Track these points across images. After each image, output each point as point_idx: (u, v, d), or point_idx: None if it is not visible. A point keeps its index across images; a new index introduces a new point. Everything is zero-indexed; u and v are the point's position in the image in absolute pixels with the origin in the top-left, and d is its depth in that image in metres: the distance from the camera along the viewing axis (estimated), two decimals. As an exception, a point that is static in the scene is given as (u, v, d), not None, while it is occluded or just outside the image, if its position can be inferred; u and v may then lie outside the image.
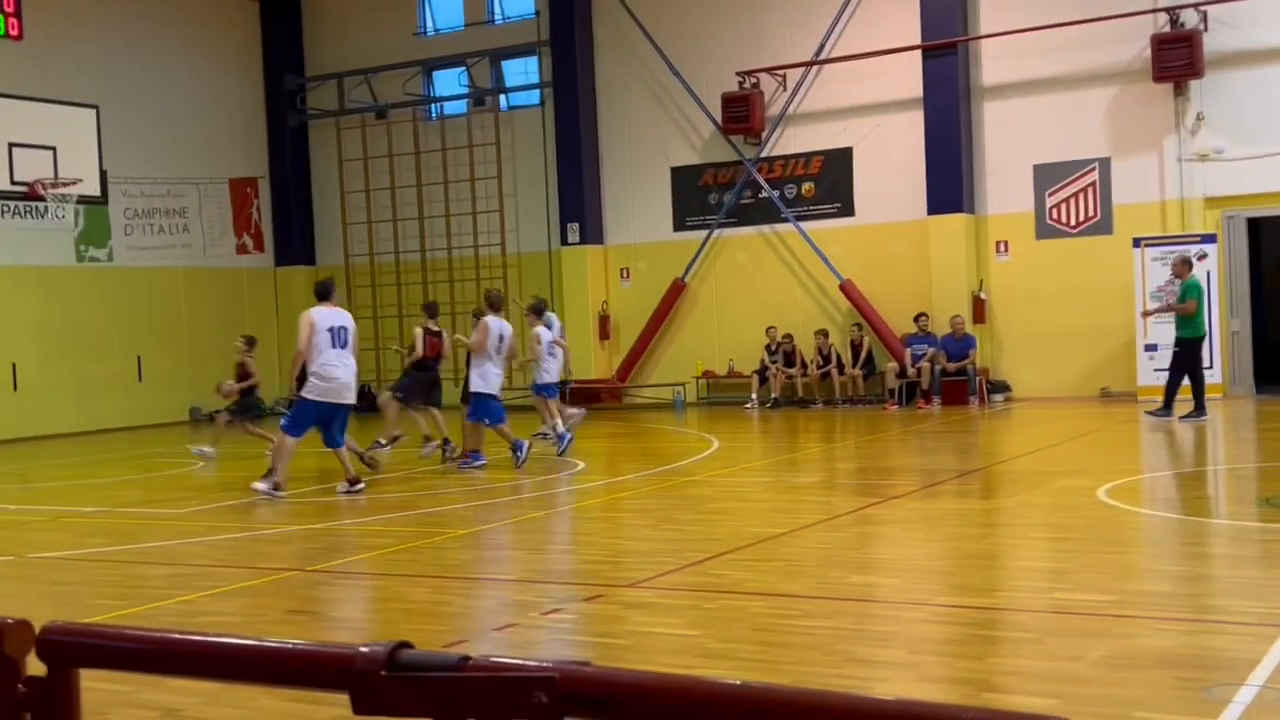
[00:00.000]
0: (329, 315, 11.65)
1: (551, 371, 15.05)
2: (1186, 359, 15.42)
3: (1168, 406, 15.42)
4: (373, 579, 7.84)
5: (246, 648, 1.61)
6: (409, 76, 24.34)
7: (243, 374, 15.21)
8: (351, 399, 11.78)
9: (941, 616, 6.38)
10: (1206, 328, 15.93)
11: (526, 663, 1.38)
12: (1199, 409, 15.28)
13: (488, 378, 13.34)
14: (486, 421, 13.38)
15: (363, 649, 1.50)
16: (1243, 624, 5.74)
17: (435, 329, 14.49)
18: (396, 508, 11.12)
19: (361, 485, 11.66)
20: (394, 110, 24.52)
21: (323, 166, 25.62)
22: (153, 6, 23.39)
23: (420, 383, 14.38)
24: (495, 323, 13.51)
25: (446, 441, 14.20)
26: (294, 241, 25.49)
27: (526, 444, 13.37)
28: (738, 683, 1.26)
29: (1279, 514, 8.79)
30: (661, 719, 1.28)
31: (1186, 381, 15.39)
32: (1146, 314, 16.81)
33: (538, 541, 9.25)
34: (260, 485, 11.44)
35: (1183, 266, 15.87)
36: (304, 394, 11.58)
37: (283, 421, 11.93)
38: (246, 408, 15.19)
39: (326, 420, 11.71)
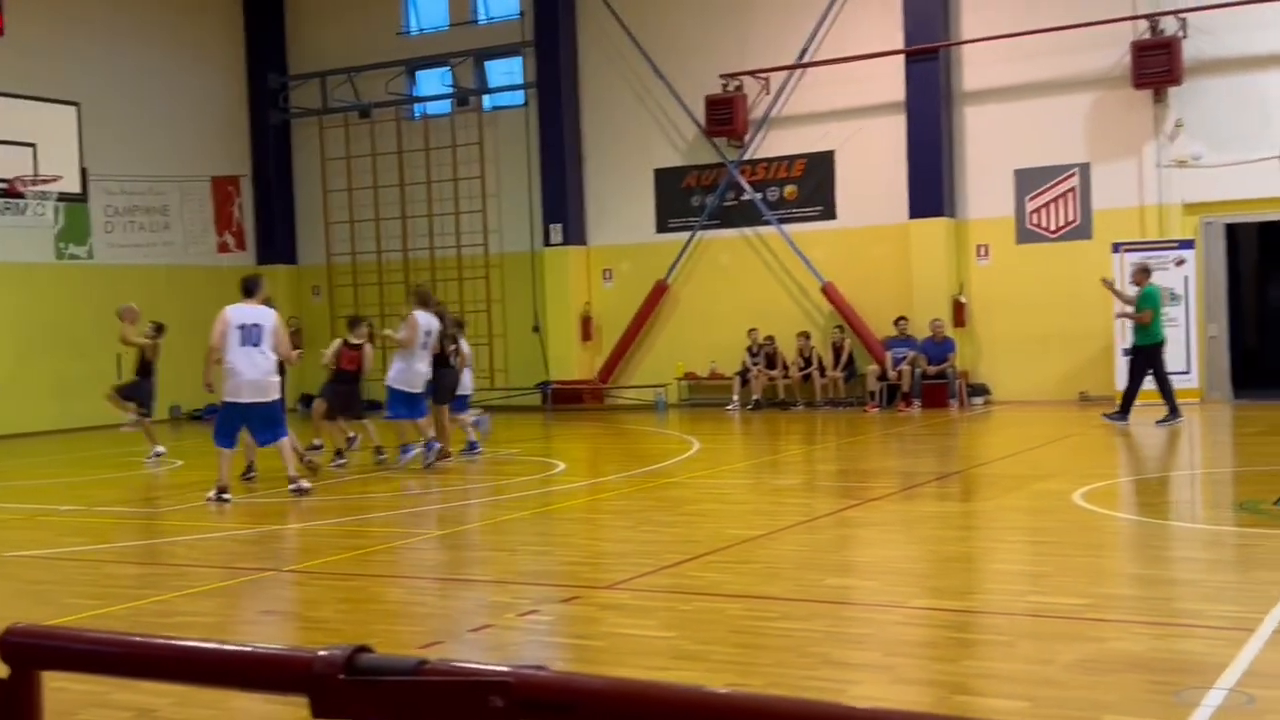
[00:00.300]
0: (243, 312, 11.34)
1: (464, 384, 14.47)
2: (1145, 365, 15.64)
3: (1124, 411, 15.63)
4: (349, 579, 7.83)
5: (206, 651, 1.62)
6: (392, 76, 24.31)
7: (143, 361, 15.30)
8: (261, 397, 11.30)
9: (917, 619, 6.41)
10: (1164, 333, 16.10)
11: (483, 667, 1.39)
12: (1174, 412, 15.40)
13: (411, 374, 13.24)
14: (410, 416, 13.37)
15: (321, 652, 1.51)
16: (1214, 628, 5.78)
17: (355, 342, 13.98)
18: (374, 508, 11.10)
19: (303, 486, 11.41)
20: (377, 109, 24.49)
21: (305, 165, 25.57)
22: (135, 3, 23.32)
23: (339, 395, 13.88)
24: (423, 318, 13.43)
25: (428, 443, 14.02)
26: (276, 240, 25.42)
27: (437, 445, 13.45)
28: (693, 688, 1.27)
29: (1254, 519, 8.85)
30: (615, 724, 1.29)
31: (1152, 386, 15.50)
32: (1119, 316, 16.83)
33: (515, 542, 9.25)
34: (210, 494, 11.30)
35: (1141, 274, 16.03)
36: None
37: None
38: (134, 392, 15.25)
39: (246, 420, 11.43)
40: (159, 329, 15.67)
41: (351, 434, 14.11)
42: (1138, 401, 17.06)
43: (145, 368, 15.57)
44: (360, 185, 24.82)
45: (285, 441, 11.59)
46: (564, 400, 22.43)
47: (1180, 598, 6.50)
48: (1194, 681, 4.88)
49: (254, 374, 11.22)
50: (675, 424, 19.31)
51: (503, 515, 10.48)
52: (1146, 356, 15.65)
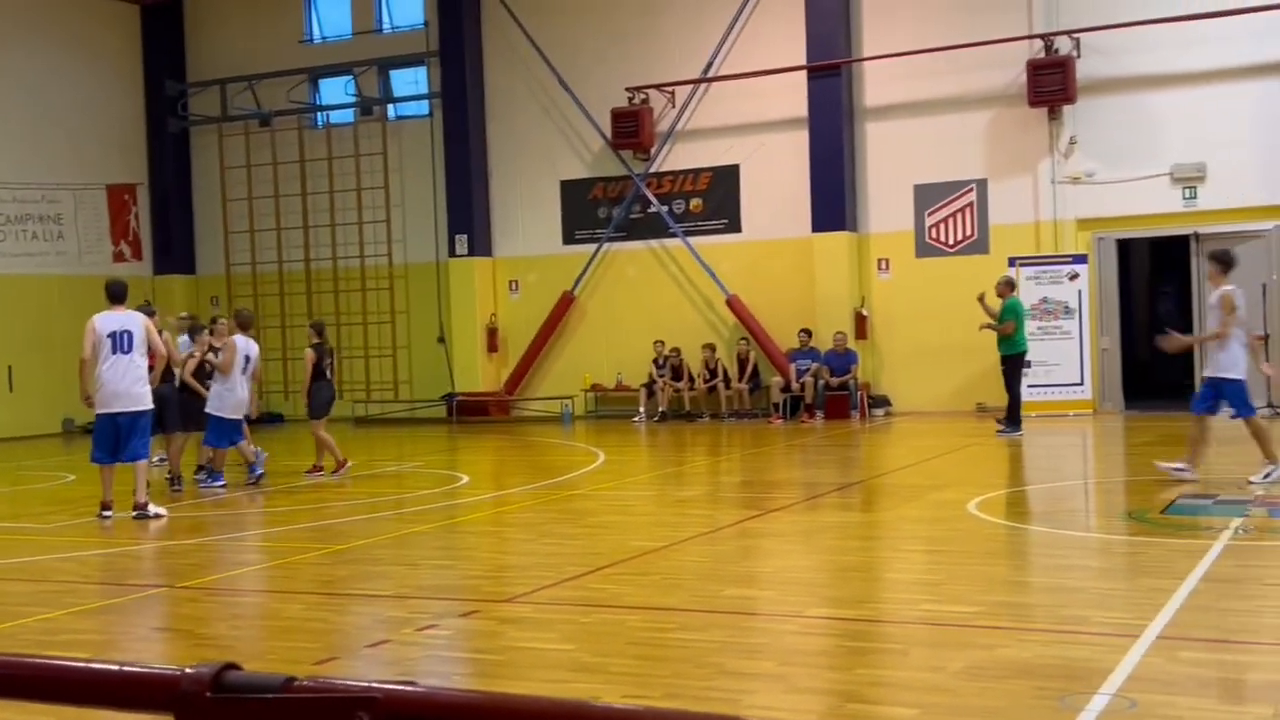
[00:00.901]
0: (112, 320, 10.99)
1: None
2: (1015, 372, 16.25)
3: (1013, 421, 16.12)
4: (245, 595, 7.71)
5: (68, 669, 1.59)
6: (294, 84, 24.03)
7: None
8: (134, 406, 10.91)
9: (813, 628, 6.49)
10: (1027, 344, 16.74)
11: (350, 684, 1.39)
12: (1014, 425, 16.03)
13: (225, 399, 12.93)
14: (230, 443, 13.12)
15: (188, 670, 1.49)
16: (1100, 634, 5.92)
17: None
18: (271, 523, 10.93)
19: (151, 510, 10.98)
20: (279, 118, 24.17)
21: (204, 174, 25.15)
22: (27, 8, 22.76)
23: (182, 407, 13.44)
24: (242, 342, 13.16)
25: (250, 465, 13.52)
26: (173, 250, 24.97)
27: (264, 456, 13.39)
28: (562, 700, 1.28)
29: (1142, 527, 9.09)
30: (480, 738, 1.29)
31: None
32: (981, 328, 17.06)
33: (417, 556, 9.18)
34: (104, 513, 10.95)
35: (1005, 287, 16.59)
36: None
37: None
38: None
39: (121, 431, 10.96)
40: None
41: (161, 457, 13.70)
42: (1032, 413, 17.48)
43: None
44: (261, 194, 24.47)
45: (144, 464, 11.09)
46: (469, 412, 22.31)
47: (1068, 605, 6.65)
48: (1079, 687, 4.99)
49: (124, 383, 10.85)
50: (581, 436, 19.31)
51: (404, 529, 10.39)
52: (1014, 366, 16.28)
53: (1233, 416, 11.11)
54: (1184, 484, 10.73)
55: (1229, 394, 10.88)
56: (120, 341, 10.89)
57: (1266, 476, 10.63)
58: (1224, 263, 11.31)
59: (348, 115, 24.22)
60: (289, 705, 1.42)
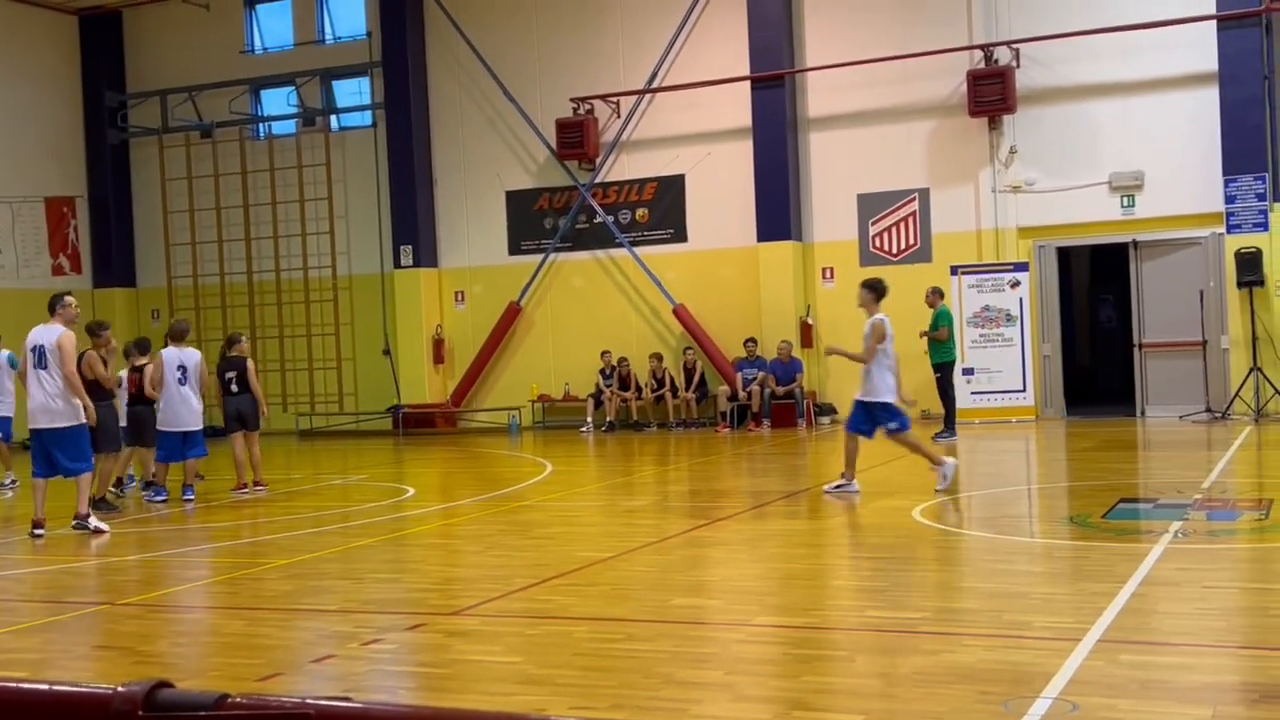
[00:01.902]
0: (35, 334, 10.90)
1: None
2: (949, 378, 16.72)
3: (950, 427, 16.54)
4: (187, 612, 7.62)
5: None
6: (236, 95, 23.83)
7: None
8: (50, 423, 10.67)
9: (760, 636, 6.51)
10: (958, 352, 17.26)
11: (284, 700, 1.38)
12: (949, 429, 16.47)
13: (164, 414, 12.90)
14: (165, 458, 13.12)
15: (120, 689, 1.48)
16: (1042, 638, 5.98)
17: (139, 364, 13.45)
18: (215, 539, 10.81)
19: (91, 524, 10.82)
20: (220, 129, 23.96)
21: (145, 186, 24.88)
22: (-38, 16, 22.43)
23: (130, 420, 13.40)
24: (171, 355, 13.03)
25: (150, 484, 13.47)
26: (113, 262, 24.66)
27: (163, 493, 13.18)
28: (498, 713, 1.28)
29: (1084, 532, 9.20)
30: (415, 752, 1.29)
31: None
32: (922, 335, 17.23)
33: (362, 570, 9.11)
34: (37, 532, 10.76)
35: (935, 296, 16.96)
36: None
37: None
38: None
39: (46, 447, 10.75)
40: None
41: (120, 475, 13.58)
42: (975, 420, 17.72)
43: None
44: (203, 206, 24.23)
45: (85, 477, 10.91)
46: (416, 424, 22.20)
47: (1011, 610, 6.71)
48: (1022, 691, 5.04)
49: (40, 398, 10.70)
50: (529, 447, 19.26)
51: (349, 543, 10.30)
52: (947, 373, 16.71)
53: (889, 433, 11.59)
54: (1118, 490, 10.87)
55: (879, 416, 11.50)
56: (37, 356, 10.76)
57: (943, 478, 11.22)
58: (876, 291, 11.92)
59: (290, 126, 24.05)
60: (222, 723, 1.41)
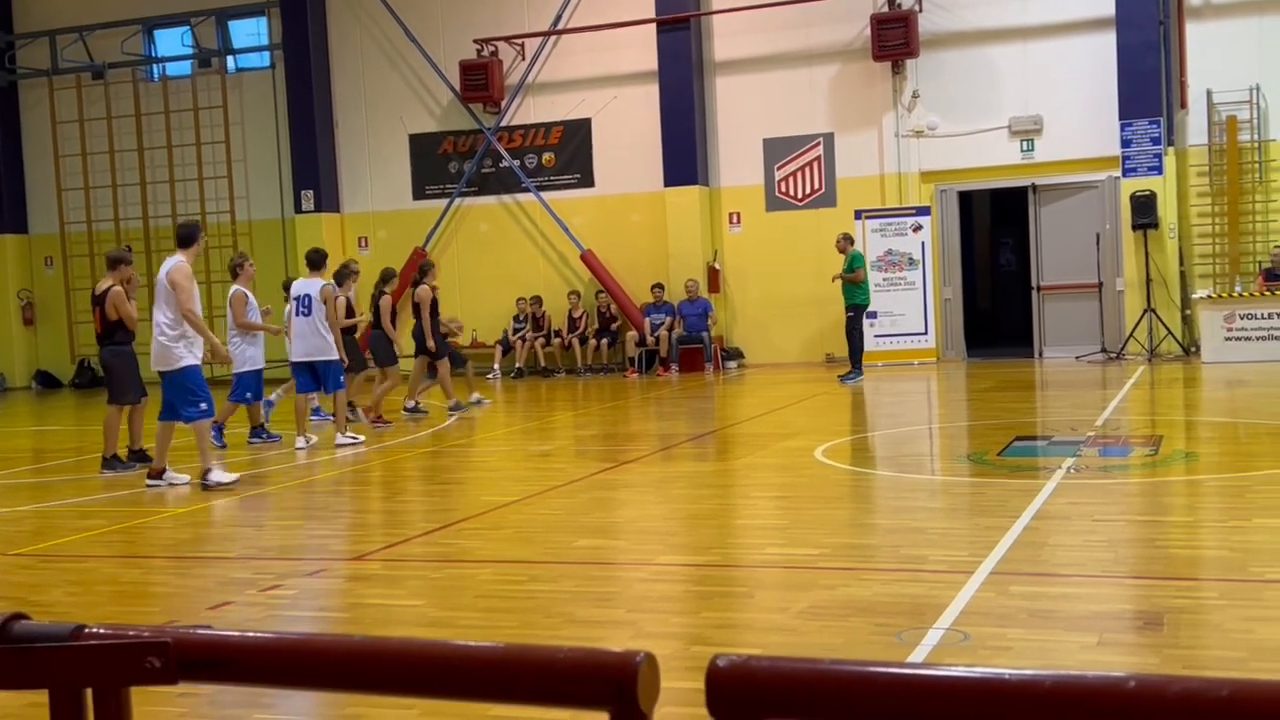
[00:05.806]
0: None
1: None
2: (859, 322, 17.09)
3: (857, 368, 16.80)
4: (82, 561, 7.47)
5: None
6: (128, 35, 23.12)
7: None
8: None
9: (662, 575, 6.56)
10: (871, 295, 17.50)
11: (141, 630, 1.35)
12: (856, 370, 16.79)
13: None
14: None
15: (-28, 623, 1.44)
16: (937, 572, 6.11)
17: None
18: (113, 487, 10.61)
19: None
20: (112, 70, 23.25)
21: (34, 129, 24.09)
22: None
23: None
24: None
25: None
26: (3, 209, 23.89)
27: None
28: (346, 637, 1.27)
29: (981, 469, 9.39)
30: (274, 678, 1.27)
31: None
32: (834, 279, 17.43)
33: (263, 518, 9.00)
34: None
35: (845, 242, 17.26)
36: None
37: None
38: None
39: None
40: None
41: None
42: (878, 363, 17.97)
43: None
44: (96, 150, 23.55)
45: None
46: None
47: (908, 545, 6.84)
48: (915, 623, 5.15)
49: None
50: (437, 393, 19.10)
51: (250, 490, 10.17)
52: (859, 315, 17.07)
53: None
54: (1015, 429, 11.09)
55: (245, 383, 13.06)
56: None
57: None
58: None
59: (185, 68, 23.41)
60: (79, 653, 1.39)
